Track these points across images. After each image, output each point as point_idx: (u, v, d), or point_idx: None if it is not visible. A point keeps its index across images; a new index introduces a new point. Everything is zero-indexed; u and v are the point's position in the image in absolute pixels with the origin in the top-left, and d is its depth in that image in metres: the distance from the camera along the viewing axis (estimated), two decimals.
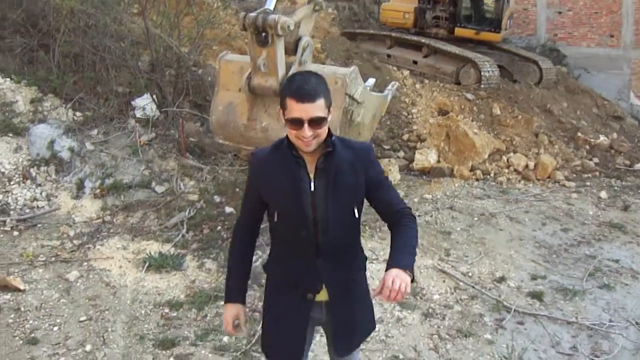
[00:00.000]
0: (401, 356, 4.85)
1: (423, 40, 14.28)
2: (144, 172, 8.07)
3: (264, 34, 5.60)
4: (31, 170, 7.78)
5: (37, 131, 8.19)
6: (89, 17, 9.74)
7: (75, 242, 6.69)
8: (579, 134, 11.67)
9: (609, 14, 17.92)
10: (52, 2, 9.56)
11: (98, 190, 7.69)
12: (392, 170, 9.32)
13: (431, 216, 8.11)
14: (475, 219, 8.14)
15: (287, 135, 2.58)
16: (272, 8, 5.73)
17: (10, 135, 8.13)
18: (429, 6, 15.09)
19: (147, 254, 6.36)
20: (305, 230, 2.60)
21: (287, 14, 5.74)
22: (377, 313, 4.41)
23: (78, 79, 9.30)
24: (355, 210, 2.70)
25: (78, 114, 8.90)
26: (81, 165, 8.03)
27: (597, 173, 10.75)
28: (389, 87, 7.89)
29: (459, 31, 14.52)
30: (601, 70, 17.77)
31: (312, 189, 2.57)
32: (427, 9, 15.10)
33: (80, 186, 7.78)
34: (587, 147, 11.53)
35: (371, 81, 7.28)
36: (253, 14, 5.59)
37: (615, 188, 10.15)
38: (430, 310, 5.61)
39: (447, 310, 5.66)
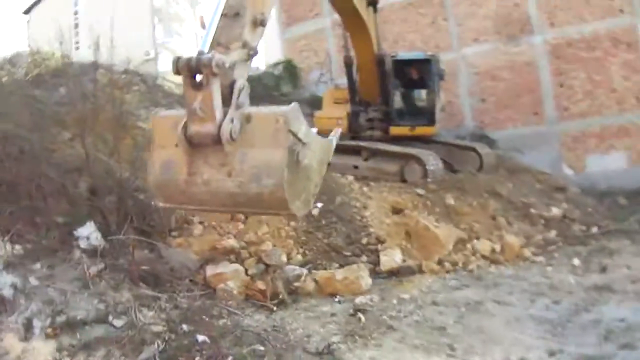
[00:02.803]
0: None
1: (361, 144, 14.47)
2: (98, 306, 7.36)
3: (198, 76, 5.21)
4: None
5: None
6: (22, 141, 9.40)
7: None
8: (532, 210, 11.90)
9: (529, 93, 18.81)
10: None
11: (50, 330, 6.83)
12: (363, 276, 9.03)
13: (418, 315, 7.79)
14: (463, 309, 7.89)
15: None
16: (205, 50, 5.48)
17: None
18: (362, 109, 15.33)
19: None
20: None
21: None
22: None
23: (14, 210, 8.71)
24: None
25: (17, 247, 8.21)
26: (27, 303, 7.16)
27: (560, 243, 10.97)
28: (332, 134, 7.40)
29: (394, 129, 14.77)
30: (531, 148, 18.46)
31: None
32: (360, 112, 15.34)
33: (28, 326, 6.88)
34: (543, 221, 11.78)
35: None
36: (186, 57, 5.22)
37: (584, 254, 10.33)
38: None
39: None
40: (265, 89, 22.96)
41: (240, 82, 5.59)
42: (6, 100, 11.01)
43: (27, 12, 44.64)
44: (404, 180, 13.21)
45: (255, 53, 5.98)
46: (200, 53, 5.26)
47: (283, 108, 5.30)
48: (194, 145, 5.26)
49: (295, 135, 5.41)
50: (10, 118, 9.47)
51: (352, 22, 14.32)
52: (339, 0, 13.54)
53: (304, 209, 5.24)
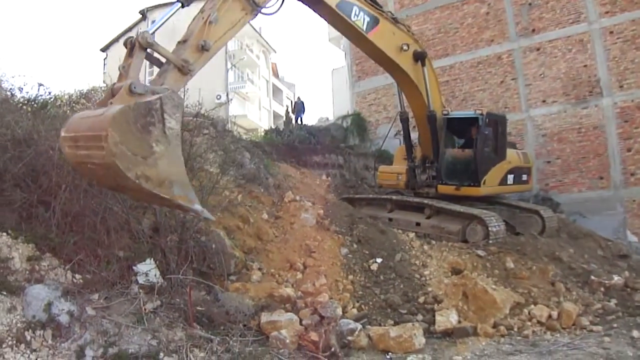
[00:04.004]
0: None
1: (425, 202, 14.58)
2: (150, 342, 7.64)
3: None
4: (26, 333, 7.22)
5: (34, 292, 7.70)
6: None
7: None
8: (592, 277, 11.67)
9: (596, 157, 18.66)
10: (54, 158, 9.50)
11: None
12: (417, 335, 9.10)
13: None
14: None
15: None
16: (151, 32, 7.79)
17: (4, 293, 7.59)
18: (417, 165, 15.61)
19: None
20: None
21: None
22: None
23: (78, 240, 9.04)
24: None
25: (77, 276, 8.58)
26: (81, 332, 7.50)
27: (620, 313, 10.60)
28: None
29: (441, 188, 14.90)
30: (595, 213, 18.21)
31: None
32: (416, 168, 15.58)
33: (80, 355, 7.20)
34: (602, 289, 11.47)
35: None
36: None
37: None
38: None
39: None
40: (333, 140, 23.41)
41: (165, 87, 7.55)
42: None
43: (104, 49, 46.96)
44: (465, 241, 13.28)
45: (191, 71, 8.13)
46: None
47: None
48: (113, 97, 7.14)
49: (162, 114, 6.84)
50: None
51: (398, 78, 14.76)
52: (378, 55, 13.93)
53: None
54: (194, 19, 8.62)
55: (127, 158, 6.33)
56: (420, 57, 14.25)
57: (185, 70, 8.09)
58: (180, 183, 6.95)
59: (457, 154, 15.12)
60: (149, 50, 7.72)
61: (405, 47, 13.83)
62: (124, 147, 6.31)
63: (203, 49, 8.29)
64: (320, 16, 12.40)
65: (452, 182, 14.78)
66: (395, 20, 13.89)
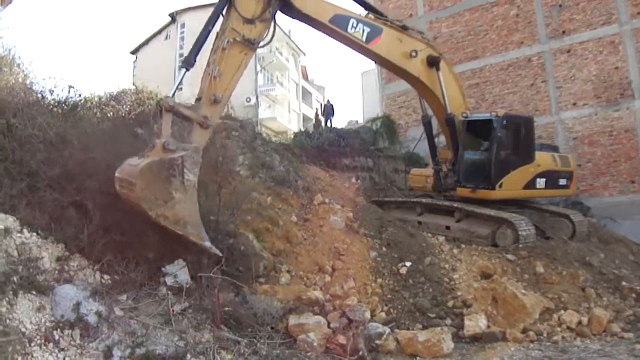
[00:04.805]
0: None
1: (455, 205, 14.54)
2: (178, 343, 7.69)
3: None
4: (54, 332, 7.28)
5: (63, 291, 7.83)
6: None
7: None
8: (623, 283, 11.52)
9: (627, 160, 18.46)
10: (87, 162, 9.81)
11: None
12: (445, 339, 9.10)
13: None
14: None
15: None
16: (171, 94, 9.76)
17: (34, 293, 7.62)
18: (440, 168, 15.67)
19: None
20: None
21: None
22: None
23: (107, 241, 9.16)
24: None
25: (106, 276, 8.68)
26: (109, 332, 7.56)
27: None
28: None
29: (460, 190, 14.86)
30: (626, 218, 18.01)
31: None
32: (440, 171, 15.64)
33: (108, 354, 7.26)
34: (634, 295, 11.30)
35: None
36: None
37: None
38: None
39: None
40: (362, 143, 23.42)
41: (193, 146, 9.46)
42: (110, 136, 11.66)
43: (134, 52, 47.54)
44: (495, 245, 13.19)
45: (211, 125, 9.97)
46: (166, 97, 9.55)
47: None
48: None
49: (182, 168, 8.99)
50: (112, 153, 9.98)
51: (412, 83, 15.00)
52: (385, 63, 14.29)
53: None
54: (204, 74, 10.36)
55: (150, 201, 8.68)
56: (434, 62, 14.31)
57: (205, 125, 9.90)
58: (193, 223, 9.22)
59: (474, 156, 15.00)
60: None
61: (414, 54, 13.93)
62: (148, 192, 8.67)
63: (215, 102, 10.09)
64: (318, 30, 12.68)
65: (469, 185, 14.69)
66: (404, 28, 13.99)
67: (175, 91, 10.06)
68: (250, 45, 10.67)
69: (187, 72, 10.15)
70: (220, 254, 9.68)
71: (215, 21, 10.46)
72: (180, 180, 9.03)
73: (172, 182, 8.97)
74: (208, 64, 10.32)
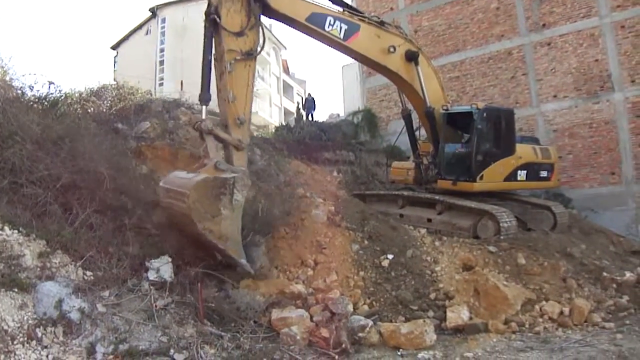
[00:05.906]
0: None
1: (437, 197, 14.53)
2: (161, 339, 7.65)
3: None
4: (37, 330, 7.16)
5: (45, 288, 7.68)
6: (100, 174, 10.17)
7: None
8: (604, 273, 11.59)
9: (607, 152, 18.59)
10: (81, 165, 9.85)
11: (111, 357, 7.14)
12: (428, 331, 9.10)
13: None
14: None
15: None
16: (203, 116, 10.33)
17: (16, 290, 7.47)
18: (420, 161, 15.72)
19: None
20: None
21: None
22: None
23: (89, 238, 9.16)
24: None
25: (88, 273, 8.57)
26: (92, 328, 7.46)
27: (632, 310, 10.57)
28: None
29: (441, 183, 14.89)
30: (607, 209, 18.16)
31: None
32: (420, 164, 15.67)
33: (91, 351, 7.16)
34: (615, 285, 11.39)
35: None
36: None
37: None
38: None
39: None
40: (344, 137, 23.39)
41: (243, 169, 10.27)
42: (90, 131, 11.64)
43: (114, 47, 47.26)
44: (476, 237, 13.22)
45: (244, 147, 10.66)
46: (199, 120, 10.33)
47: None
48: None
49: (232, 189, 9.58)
50: (92, 149, 10.05)
51: (390, 78, 15.04)
52: (364, 59, 14.30)
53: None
54: (219, 100, 10.81)
55: (199, 213, 9.19)
56: (412, 57, 14.34)
57: (240, 147, 10.61)
58: (234, 240, 9.78)
59: (455, 149, 15.03)
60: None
61: (392, 49, 13.92)
62: (200, 205, 9.20)
63: (241, 124, 10.64)
64: (296, 30, 12.67)
65: (450, 177, 14.70)
66: (381, 23, 13.98)
67: (206, 114, 10.45)
68: (250, 56, 10.91)
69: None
70: (252, 272, 10.25)
71: (211, 48, 10.38)
72: (229, 199, 9.63)
73: (221, 199, 9.54)
74: (219, 90, 10.69)
